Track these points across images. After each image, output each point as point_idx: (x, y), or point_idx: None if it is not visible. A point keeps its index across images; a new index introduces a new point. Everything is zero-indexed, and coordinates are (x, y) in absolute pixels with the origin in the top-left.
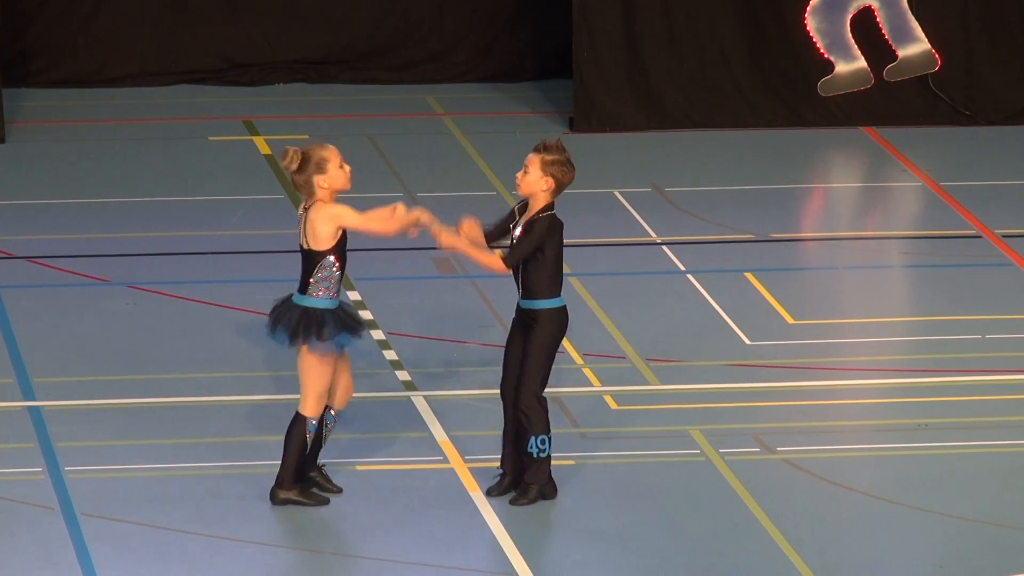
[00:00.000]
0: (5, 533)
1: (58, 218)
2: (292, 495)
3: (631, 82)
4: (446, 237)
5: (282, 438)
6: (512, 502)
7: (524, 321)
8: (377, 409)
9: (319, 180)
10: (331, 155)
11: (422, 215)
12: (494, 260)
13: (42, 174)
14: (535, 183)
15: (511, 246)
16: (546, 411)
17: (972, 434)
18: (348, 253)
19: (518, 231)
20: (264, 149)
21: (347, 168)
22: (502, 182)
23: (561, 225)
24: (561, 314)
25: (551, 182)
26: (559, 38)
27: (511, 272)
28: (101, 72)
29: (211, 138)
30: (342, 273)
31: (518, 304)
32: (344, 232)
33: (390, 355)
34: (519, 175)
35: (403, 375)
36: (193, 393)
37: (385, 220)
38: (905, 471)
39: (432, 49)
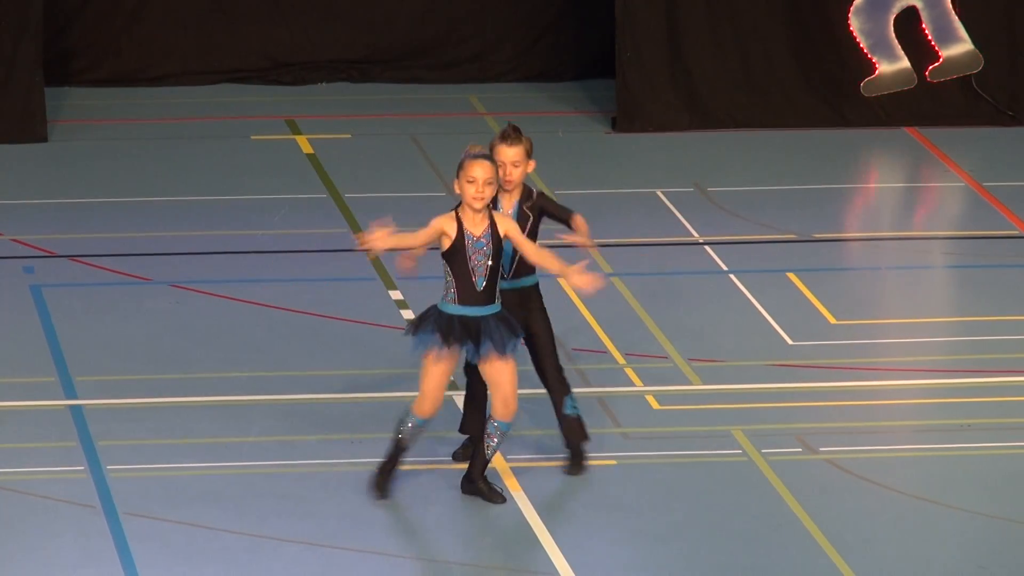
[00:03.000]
0: (47, 532)
1: (100, 217)
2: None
3: (674, 82)
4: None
5: (322, 437)
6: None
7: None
8: None
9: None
10: (468, 165)
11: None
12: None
13: (84, 173)
14: (525, 171)
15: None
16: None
17: (1015, 435)
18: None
19: (526, 221)
20: (307, 148)
21: (472, 184)
22: (544, 181)
23: None
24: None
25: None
26: (602, 38)
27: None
28: (144, 71)
29: (254, 137)
30: (456, 280)
31: (510, 287)
32: (452, 242)
33: None
34: (513, 174)
35: None
36: (235, 392)
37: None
38: (948, 472)
39: (475, 48)
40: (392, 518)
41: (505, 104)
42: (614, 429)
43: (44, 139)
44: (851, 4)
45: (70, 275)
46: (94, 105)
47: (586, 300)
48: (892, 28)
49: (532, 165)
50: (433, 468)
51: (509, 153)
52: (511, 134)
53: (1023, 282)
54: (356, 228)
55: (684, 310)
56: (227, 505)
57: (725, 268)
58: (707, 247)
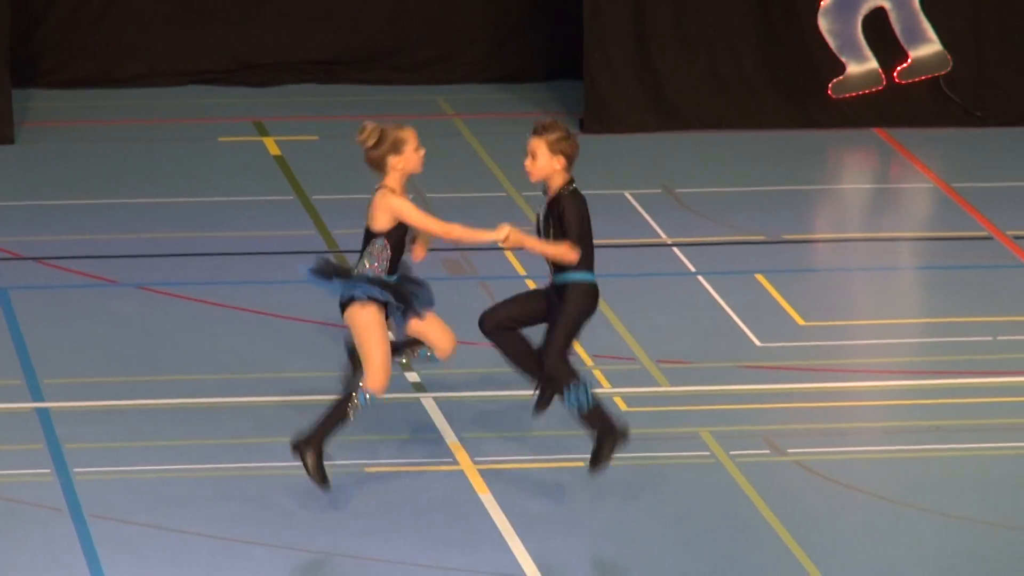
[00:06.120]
0: (13, 534)
1: (67, 219)
2: (311, 459)
3: (642, 83)
4: (516, 236)
5: (290, 439)
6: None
7: (557, 296)
8: (387, 410)
9: (393, 161)
10: (409, 136)
11: (512, 233)
12: (563, 249)
13: (51, 175)
14: (547, 166)
15: (554, 230)
16: (568, 362)
17: (984, 436)
18: None
19: (541, 214)
20: (274, 150)
21: (422, 151)
22: (512, 183)
23: (584, 199)
24: (591, 289)
25: (563, 160)
26: (569, 39)
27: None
28: (110, 73)
29: (221, 139)
30: (395, 255)
31: (552, 283)
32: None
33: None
34: (527, 163)
35: (412, 376)
36: (202, 394)
37: (445, 225)
38: (916, 473)
39: (442, 50)
40: (359, 521)
41: (473, 106)
42: (582, 431)
43: (11, 141)
44: (819, 4)
45: (36, 277)
46: (61, 107)
47: None
48: (860, 29)
49: (560, 162)
50: (399, 471)
51: (529, 142)
52: (540, 127)
53: (991, 283)
54: (323, 230)
55: (652, 312)
56: (194, 508)
57: (693, 269)
58: (675, 248)
